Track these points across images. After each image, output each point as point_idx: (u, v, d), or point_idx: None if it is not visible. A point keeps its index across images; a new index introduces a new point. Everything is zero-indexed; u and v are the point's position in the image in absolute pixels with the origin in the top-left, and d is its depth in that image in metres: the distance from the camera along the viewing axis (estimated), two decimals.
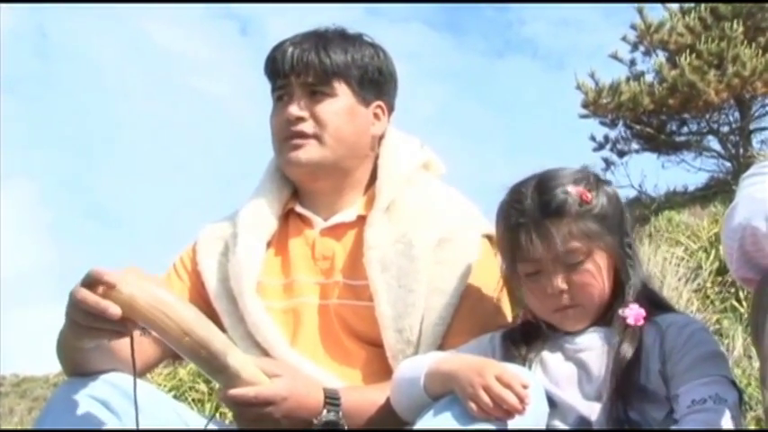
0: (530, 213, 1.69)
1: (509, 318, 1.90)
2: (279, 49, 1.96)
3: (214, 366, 1.58)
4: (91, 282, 1.50)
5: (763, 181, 1.68)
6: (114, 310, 1.47)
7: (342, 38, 1.97)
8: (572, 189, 1.69)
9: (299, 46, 1.94)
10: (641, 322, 1.69)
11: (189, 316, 1.55)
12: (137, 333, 1.54)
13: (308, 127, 1.92)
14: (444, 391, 1.57)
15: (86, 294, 1.48)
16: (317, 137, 1.92)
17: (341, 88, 1.94)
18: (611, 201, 1.74)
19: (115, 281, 1.49)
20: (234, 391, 1.59)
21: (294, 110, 1.92)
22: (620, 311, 1.70)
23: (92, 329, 1.52)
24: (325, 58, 1.92)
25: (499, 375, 1.50)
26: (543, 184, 1.72)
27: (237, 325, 1.89)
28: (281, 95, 1.96)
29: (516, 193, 1.74)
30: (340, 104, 1.94)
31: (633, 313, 1.70)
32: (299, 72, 1.92)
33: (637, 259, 1.77)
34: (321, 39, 1.96)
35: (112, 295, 1.49)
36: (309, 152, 1.92)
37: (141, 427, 1.59)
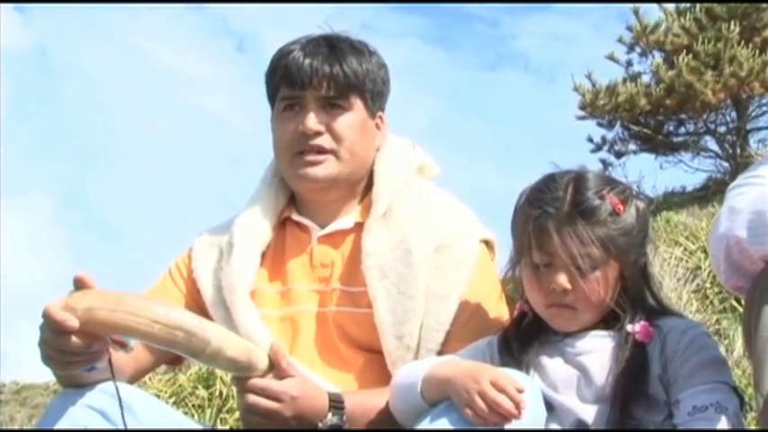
0: (560, 205, 1.67)
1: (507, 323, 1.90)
2: (289, 57, 1.92)
3: (195, 346, 1.54)
4: (50, 321, 1.49)
5: (746, 192, 1.70)
6: (72, 322, 1.46)
7: (351, 47, 1.95)
8: (608, 196, 1.68)
9: (313, 57, 1.90)
10: (649, 339, 1.68)
11: (151, 304, 1.53)
12: (112, 351, 1.55)
13: (325, 141, 1.90)
14: (441, 396, 1.57)
15: (50, 306, 1.49)
16: (333, 152, 1.91)
17: (356, 102, 1.93)
18: (640, 218, 1.71)
19: (66, 303, 1.48)
20: (251, 382, 1.62)
21: (312, 123, 1.89)
22: (628, 327, 1.69)
23: (68, 363, 1.54)
24: (344, 70, 1.89)
25: (494, 380, 1.50)
26: (581, 182, 1.69)
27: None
28: (292, 105, 1.93)
29: (551, 182, 1.71)
30: (355, 118, 1.93)
31: (642, 330, 1.69)
32: (316, 85, 1.89)
33: (651, 280, 1.76)
34: (333, 48, 1.92)
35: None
36: (328, 168, 1.91)
37: None
